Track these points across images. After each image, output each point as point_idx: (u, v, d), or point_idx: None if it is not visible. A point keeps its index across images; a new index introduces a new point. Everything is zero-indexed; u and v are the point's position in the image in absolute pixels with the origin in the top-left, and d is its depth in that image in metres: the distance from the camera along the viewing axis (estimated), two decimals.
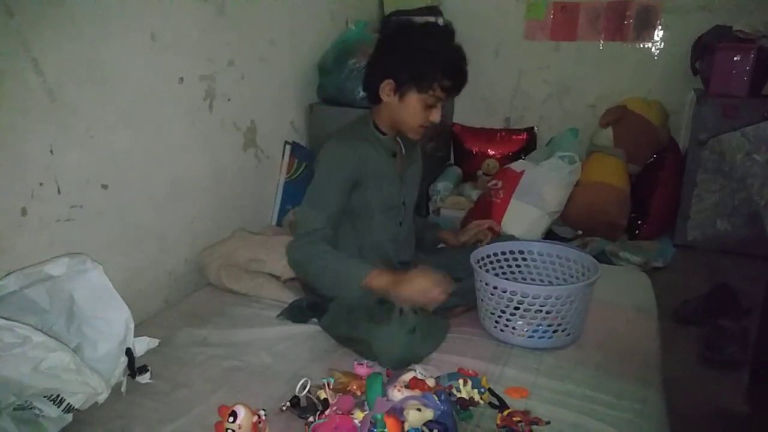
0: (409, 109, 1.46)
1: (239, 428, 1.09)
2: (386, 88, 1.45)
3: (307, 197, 1.47)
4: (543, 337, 1.44)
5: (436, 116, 1.48)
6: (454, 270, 1.64)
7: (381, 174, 1.53)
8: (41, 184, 1.38)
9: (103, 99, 1.52)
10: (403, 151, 1.61)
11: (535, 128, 3.30)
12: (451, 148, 3.44)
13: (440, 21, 1.40)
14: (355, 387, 1.23)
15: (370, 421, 1.04)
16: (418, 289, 1.32)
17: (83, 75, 1.45)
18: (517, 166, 2.81)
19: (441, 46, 1.43)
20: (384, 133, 1.54)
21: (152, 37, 1.65)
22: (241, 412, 1.10)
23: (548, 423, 1.15)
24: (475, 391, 1.21)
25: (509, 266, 1.70)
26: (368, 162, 1.49)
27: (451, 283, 1.36)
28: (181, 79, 1.78)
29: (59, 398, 1.14)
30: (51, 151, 1.39)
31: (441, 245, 1.82)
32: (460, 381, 1.22)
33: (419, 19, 1.50)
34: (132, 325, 1.33)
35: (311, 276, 1.47)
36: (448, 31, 1.49)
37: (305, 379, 1.22)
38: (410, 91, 1.43)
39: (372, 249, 1.57)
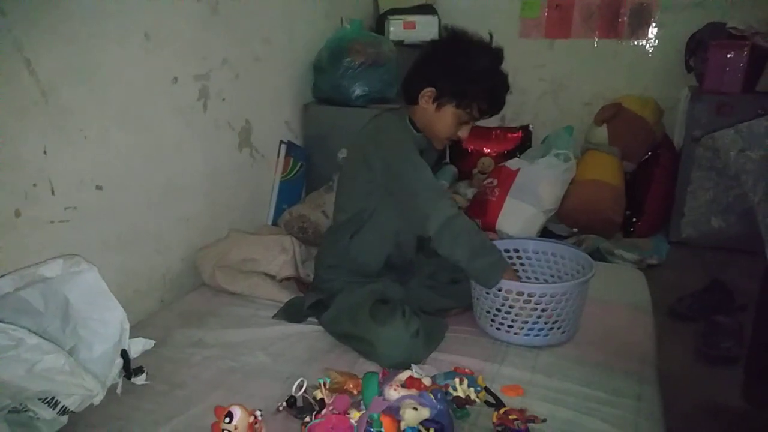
0: (443, 121, 1.48)
1: (235, 429, 1.09)
2: (426, 95, 1.47)
3: (405, 171, 1.43)
4: (539, 335, 1.44)
5: (464, 133, 1.51)
6: (452, 270, 1.64)
7: None
8: (35, 185, 1.37)
9: (97, 99, 1.51)
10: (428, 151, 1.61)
11: (531, 126, 3.30)
12: (446, 147, 3.44)
13: (493, 42, 1.42)
14: (351, 386, 1.23)
15: (367, 421, 1.04)
16: None
17: (77, 75, 1.44)
18: (512, 164, 2.81)
19: (489, 68, 1.45)
20: (417, 131, 1.55)
21: (146, 36, 1.64)
22: (237, 412, 1.10)
23: (544, 421, 1.15)
24: (471, 389, 1.21)
25: None
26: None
27: None
28: (176, 78, 1.78)
29: (54, 400, 1.14)
30: (44, 152, 1.38)
31: None
32: (457, 380, 1.22)
33: (475, 37, 1.51)
34: (127, 326, 1.33)
35: (463, 252, 1.40)
36: (499, 54, 1.49)
37: (301, 379, 1.22)
38: (449, 104, 1.45)
39: (376, 241, 1.56)
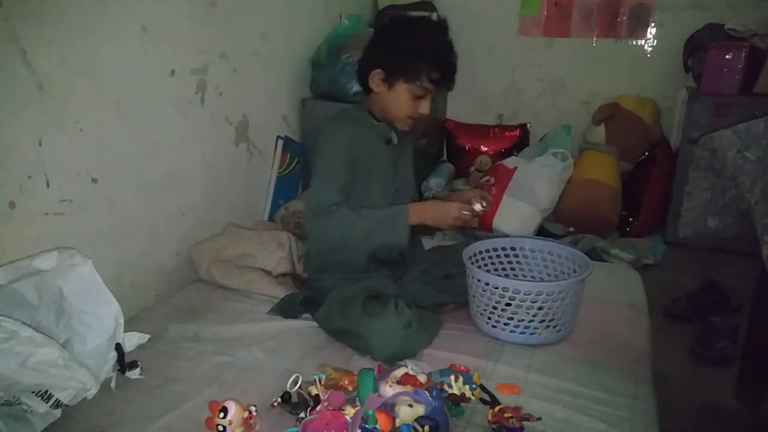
0: (398, 99, 1.47)
1: (230, 424, 1.09)
2: (375, 78, 1.47)
3: (316, 175, 1.48)
4: (534, 333, 1.44)
5: (424, 108, 1.49)
6: (447, 266, 1.64)
7: (376, 158, 1.54)
8: (30, 177, 1.36)
9: (94, 91, 1.50)
10: (395, 140, 1.61)
11: (528, 125, 3.30)
12: (443, 145, 3.44)
13: (435, 16, 1.42)
14: (346, 383, 1.23)
15: (362, 417, 1.04)
16: (444, 216, 1.46)
17: (73, 67, 1.43)
18: (509, 162, 2.81)
19: (429, 37, 1.45)
20: (378, 120, 1.55)
21: (143, 29, 1.63)
22: (232, 407, 1.10)
23: (539, 419, 1.15)
24: (467, 387, 1.21)
25: (501, 263, 1.70)
26: (365, 144, 1.51)
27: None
28: (173, 72, 1.77)
29: (47, 394, 1.13)
30: (40, 144, 1.37)
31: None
32: (452, 377, 1.22)
33: (415, 14, 1.51)
34: (122, 320, 1.32)
35: (350, 241, 1.46)
36: (439, 24, 1.50)
37: (296, 374, 1.22)
38: (398, 81, 1.45)
39: None
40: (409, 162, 1.72)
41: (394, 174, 1.61)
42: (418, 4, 3.01)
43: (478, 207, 1.48)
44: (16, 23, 1.28)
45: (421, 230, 1.71)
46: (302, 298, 1.60)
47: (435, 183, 3.02)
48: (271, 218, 2.34)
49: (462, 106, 3.40)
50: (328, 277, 1.58)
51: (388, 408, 1.07)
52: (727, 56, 2.66)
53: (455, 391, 1.20)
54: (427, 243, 1.86)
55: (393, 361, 1.32)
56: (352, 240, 1.45)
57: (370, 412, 1.04)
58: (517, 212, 2.63)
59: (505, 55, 3.33)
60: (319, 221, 1.45)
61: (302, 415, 1.12)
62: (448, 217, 1.46)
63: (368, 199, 1.53)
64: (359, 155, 1.50)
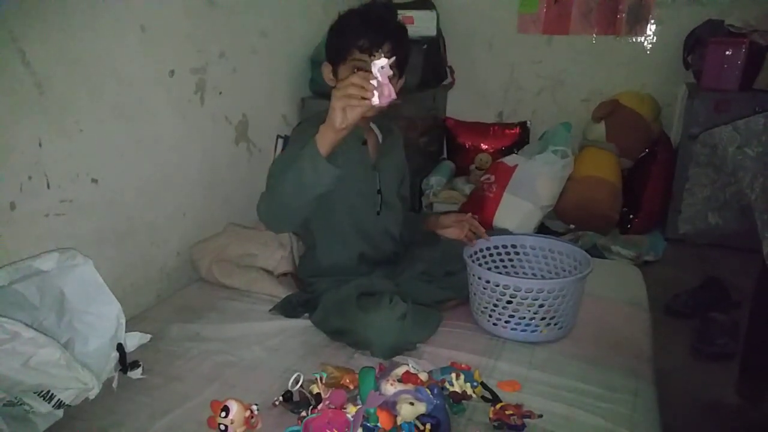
0: None
1: (231, 423, 1.09)
2: (326, 73, 1.46)
3: (273, 166, 1.39)
4: (535, 330, 1.44)
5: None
6: (447, 263, 1.64)
7: (349, 160, 1.41)
8: (30, 178, 1.36)
9: (93, 91, 1.50)
10: (380, 139, 1.59)
11: (528, 122, 3.30)
12: (443, 143, 3.44)
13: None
14: (347, 381, 1.23)
15: (363, 415, 1.04)
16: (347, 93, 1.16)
17: (72, 67, 1.43)
18: (509, 160, 2.81)
19: (352, 11, 1.42)
20: None
21: (142, 28, 1.63)
22: (234, 407, 1.10)
23: (540, 416, 1.15)
24: (468, 384, 1.21)
25: (501, 260, 1.70)
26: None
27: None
28: (172, 71, 1.77)
29: (49, 394, 1.14)
30: (40, 144, 1.37)
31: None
32: (453, 375, 1.22)
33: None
34: (123, 320, 1.32)
35: (279, 195, 1.29)
36: (371, 2, 1.46)
37: (298, 373, 1.22)
38: (339, 66, 1.42)
39: (338, 241, 1.55)
40: (397, 161, 1.65)
41: (376, 174, 1.56)
42: (417, 2, 3.02)
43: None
44: (15, 23, 1.28)
45: (426, 236, 1.72)
46: (299, 299, 1.61)
47: (435, 181, 3.03)
48: None
49: (462, 103, 3.40)
50: (321, 280, 1.58)
51: (390, 406, 1.07)
52: (727, 52, 2.65)
53: (456, 388, 1.20)
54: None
55: (392, 354, 1.32)
56: (278, 187, 1.28)
57: (372, 410, 1.04)
58: (517, 210, 2.63)
59: (504, 53, 3.33)
60: (263, 199, 1.35)
61: (304, 413, 1.12)
62: (334, 109, 1.17)
63: (343, 200, 1.49)
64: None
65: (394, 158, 1.65)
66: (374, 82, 1.12)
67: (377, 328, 1.33)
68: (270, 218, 1.36)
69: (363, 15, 1.41)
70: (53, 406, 1.14)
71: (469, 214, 1.70)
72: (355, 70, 1.37)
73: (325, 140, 1.21)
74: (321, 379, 1.19)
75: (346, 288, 1.51)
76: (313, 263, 1.61)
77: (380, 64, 1.11)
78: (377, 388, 1.14)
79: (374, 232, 1.59)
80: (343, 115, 1.16)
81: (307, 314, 1.58)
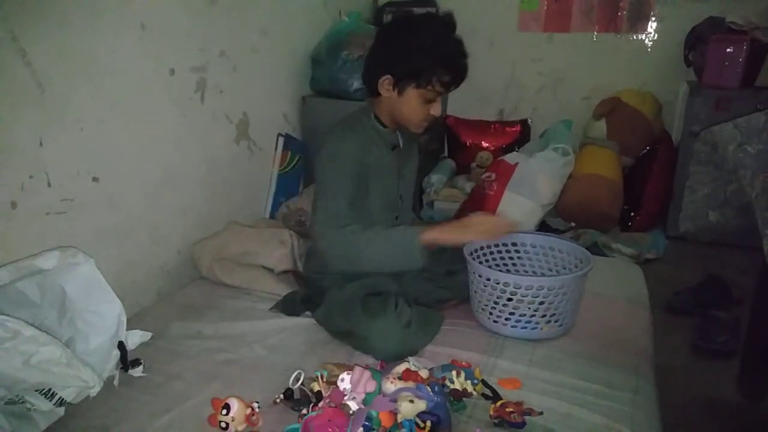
0: (409, 105, 1.43)
1: (232, 421, 1.10)
2: (385, 84, 1.43)
3: (321, 191, 1.45)
4: (536, 328, 1.44)
5: (436, 110, 1.45)
6: (448, 262, 1.64)
7: (381, 167, 1.51)
8: (31, 177, 1.36)
9: (93, 90, 1.50)
10: (401, 145, 1.59)
11: (529, 120, 3.30)
12: (444, 141, 3.44)
13: (439, 11, 1.37)
14: None
15: (366, 416, 1.04)
16: (485, 229, 1.41)
17: (72, 66, 1.43)
18: (510, 158, 2.81)
19: (439, 39, 1.38)
20: (385, 126, 1.52)
21: (142, 27, 1.63)
22: (234, 404, 1.11)
23: (541, 413, 1.15)
24: (468, 382, 1.21)
25: (502, 258, 1.70)
26: (369, 154, 1.48)
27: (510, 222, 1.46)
28: (172, 70, 1.77)
29: (51, 392, 1.14)
30: (40, 143, 1.37)
31: None
32: (454, 372, 1.22)
33: (419, 11, 1.47)
34: (124, 318, 1.33)
35: (364, 263, 1.42)
36: (446, 22, 1.43)
37: (299, 371, 1.22)
38: (409, 86, 1.40)
39: None
40: (415, 167, 1.70)
41: (399, 180, 1.59)
42: (418, 0, 3.01)
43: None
44: (15, 23, 1.28)
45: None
46: (301, 296, 1.60)
47: (436, 179, 3.02)
48: (272, 216, 2.34)
49: (462, 101, 3.39)
50: (327, 277, 1.58)
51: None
52: (728, 49, 2.65)
53: (457, 386, 1.20)
54: None
55: (394, 359, 1.32)
56: (364, 259, 1.41)
57: (374, 413, 1.05)
58: (518, 208, 2.63)
59: (505, 51, 3.32)
60: (331, 235, 1.41)
61: (304, 411, 1.13)
62: (465, 236, 1.42)
63: (368, 207, 1.51)
64: (363, 166, 1.46)
65: (412, 164, 1.67)
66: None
67: (382, 335, 1.34)
68: (336, 264, 1.45)
69: (451, 53, 1.39)
70: (54, 404, 1.15)
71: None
72: (425, 98, 1.41)
73: (431, 239, 1.38)
74: (322, 377, 1.20)
75: (351, 287, 1.51)
76: (321, 262, 1.57)
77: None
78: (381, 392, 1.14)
79: None
80: (476, 236, 1.42)
81: (308, 312, 1.58)
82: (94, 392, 1.20)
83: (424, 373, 1.19)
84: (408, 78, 1.40)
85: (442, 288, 1.64)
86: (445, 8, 3.09)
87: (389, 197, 1.57)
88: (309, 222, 1.65)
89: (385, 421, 1.05)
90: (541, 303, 1.41)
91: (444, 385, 1.19)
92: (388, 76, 1.41)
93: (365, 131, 1.50)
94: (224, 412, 1.10)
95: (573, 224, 2.77)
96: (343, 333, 1.45)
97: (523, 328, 1.44)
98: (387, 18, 2.91)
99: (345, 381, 1.13)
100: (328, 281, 1.57)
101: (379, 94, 1.46)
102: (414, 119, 1.47)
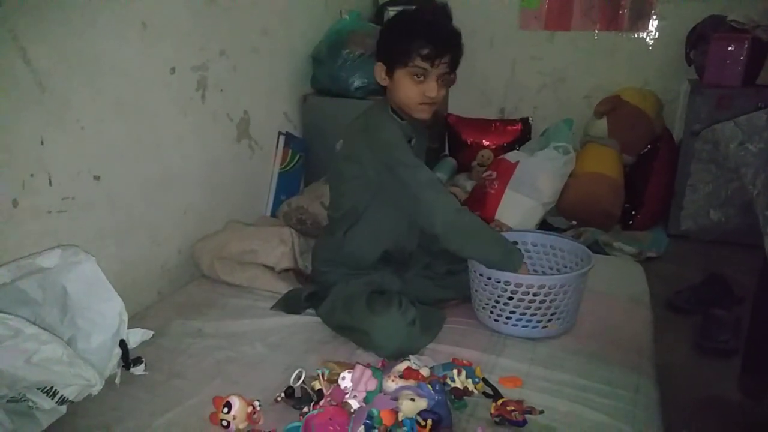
0: (402, 87, 1.43)
1: (234, 419, 1.10)
2: (379, 72, 1.46)
3: (406, 159, 1.41)
4: (537, 326, 1.44)
5: (430, 90, 1.42)
6: (449, 262, 1.64)
7: None
8: (32, 176, 1.36)
9: (94, 89, 1.50)
10: (413, 139, 1.59)
11: (530, 119, 3.30)
12: (445, 139, 3.44)
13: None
14: None
15: (367, 414, 1.04)
16: None
17: (73, 64, 1.43)
18: (511, 156, 2.81)
19: (413, 15, 1.43)
20: (402, 119, 1.52)
21: (143, 26, 1.63)
22: (236, 402, 1.11)
23: (542, 412, 1.15)
24: (469, 380, 1.21)
25: None
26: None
27: None
28: (173, 69, 1.77)
29: (53, 390, 1.14)
30: (41, 142, 1.37)
31: None
32: (455, 371, 1.22)
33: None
34: (125, 317, 1.33)
35: (478, 244, 1.42)
36: (429, 3, 1.46)
37: (300, 369, 1.22)
38: (396, 68, 1.42)
39: (371, 235, 1.55)
40: (422, 157, 1.68)
41: None
42: None
43: None
44: (16, 21, 1.28)
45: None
46: (306, 293, 1.60)
47: (437, 178, 3.02)
48: (273, 214, 2.34)
49: (463, 100, 3.39)
50: (333, 271, 1.58)
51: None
52: (729, 48, 2.64)
53: (458, 384, 1.20)
54: None
55: (396, 357, 1.32)
56: (479, 241, 1.42)
57: (376, 411, 1.05)
58: (519, 206, 2.62)
59: (506, 49, 3.32)
60: (438, 195, 1.40)
61: (305, 409, 1.13)
62: None
63: (398, 204, 1.50)
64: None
65: (421, 158, 1.66)
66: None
67: (386, 332, 1.34)
68: (453, 238, 1.42)
69: (426, 22, 1.41)
70: (56, 403, 1.15)
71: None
72: (414, 77, 1.41)
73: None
74: (323, 376, 1.20)
75: (356, 283, 1.51)
76: (331, 251, 1.59)
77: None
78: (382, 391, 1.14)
79: (404, 231, 1.59)
80: None
81: (309, 310, 1.59)
82: (95, 391, 1.20)
83: (425, 372, 1.19)
84: (392, 59, 1.43)
85: (443, 287, 1.64)
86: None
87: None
88: (329, 208, 1.64)
89: (386, 419, 1.05)
90: (542, 301, 1.41)
91: (445, 384, 1.19)
92: (380, 63, 1.46)
93: (391, 122, 1.51)
94: (225, 410, 1.10)
95: (574, 223, 2.76)
96: (345, 328, 1.45)
97: (524, 326, 1.45)
98: (389, 16, 2.90)
99: (346, 379, 1.13)
100: (333, 276, 1.56)
101: (385, 87, 1.49)
102: (410, 101, 1.45)
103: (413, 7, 1.48)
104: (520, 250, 1.49)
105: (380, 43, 1.47)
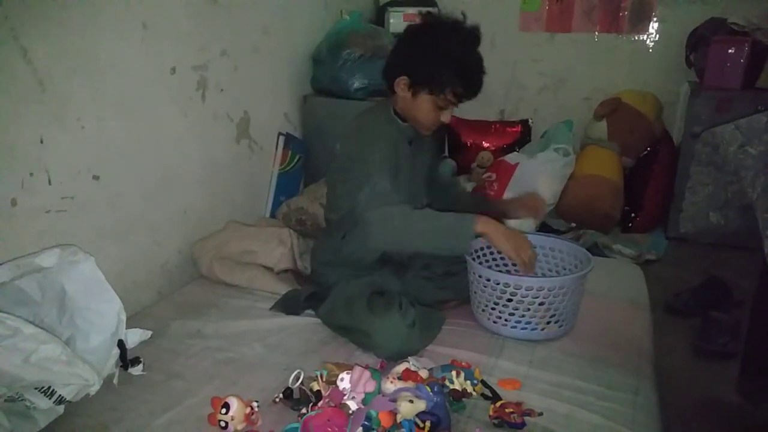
0: (421, 108, 1.46)
1: (232, 420, 1.10)
2: (401, 84, 1.45)
3: (367, 166, 1.42)
4: (536, 328, 1.44)
5: (447, 118, 1.48)
6: (448, 263, 1.64)
7: (404, 156, 1.53)
8: (31, 175, 1.36)
9: (94, 88, 1.50)
10: (414, 140, 1.60)
11: (530, 120, 3.30)
12: (445, 141, 3.43)
13: (467, 23, 1.38)
14: None
15: (365, 416, 1.04)
16: (515, 244, 1.37)
17: (74, 64, 1.43)
18: (511, 158, 2.81)
19: (459, 51, 1.40)
20: (404, 121, 1.53)
21: (144, 26, 1.63)
22: (234, 403, 1.11)
23: (541, 414, 1.15)
24: (468, 382, 1.21)
25: (502, 258, 1.70)
26: (395, 143, 1.50)
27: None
28: (174, 69, 1.77)
29: (51, 390, 1.14)
30: (41, 141, 1.37)
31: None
32: (453, 372, 1.22)
33: (447, 19, 1.45)
34: (124, 317, 1.33)
35: (413, 239, 1.38)
36: (471, 35, 1.44)
37: (298, 370, 1.22)
38: (423, 91, 1.43)
39: None
40: (426, 160, 1.70)
41: (411, 173, 1.60)
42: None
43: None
44: (16, 21, 1.28)
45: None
46: (306, 293, 1.60)
47: None
48: (272, 215, 2.34)
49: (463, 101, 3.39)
50: (333, 271, 1.58)
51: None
52: (729, 51, 2.64)
53: (456, 386, 1.20)
54: None
55: (396, 359, 1.32)
56: (413, 235, 1.37)
57: (374, 412, 1.04)
58: None
59: (506, 51, 3.32)
60: (380, 210, 1.36)
61: (304, 410, 1.13)
62: (511, 250, 1.36)
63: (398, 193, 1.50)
64: (394, 152, 1.49)
65: (426, 158, 1.67)
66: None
67: (386, 333, 1.34)
68: (383, 239, 1.41)
69: (466, 65, 1.41)
70: (54, 402, 1.14)
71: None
72: (437, 104, 1.43)
73: (483, 230, 1.35)
74: (321, 377, 1.19)
75: (356, 284, 1.51)
76: (330, 253, 1.60)
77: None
78: (381, 392, 1.14)
79: None
80: (511, 252, 1.37)
81: (308, 311, 1.58)
82: (93, 390, 1.20)
83: (423, 373, 1.19)
84: (423, 83, 1.42)
85: (442, 288, 1.64)
86: (447, 8, 3.11)
87: (408, 189, 1.57)
88: (326, 210, 1.64)
89: (385, 421, 1.04)
90: (541, 304, 1.40)
91: (444, 386, 1.19)
92: (405, 77, 1.44)
93: (390, 122, 1.53)
94: (224, 411, 1.10)
95: (573, 225, 2.76)
96: (345, 329, 1.45)
97: (523, 328, 1.44)
98: (392, 17, 2.90)
99: (345, 381, 1.13)
100: (334, 276, 1.57)
101: (395, 93, 1.49)
102: (424, 122, 1.49)
103: (446, 21, 1.44)
104: (472, 218, 1.36)
105: (408, 58, 1.44)
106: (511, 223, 1.91)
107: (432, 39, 1.42)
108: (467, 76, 1.42)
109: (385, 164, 1.43)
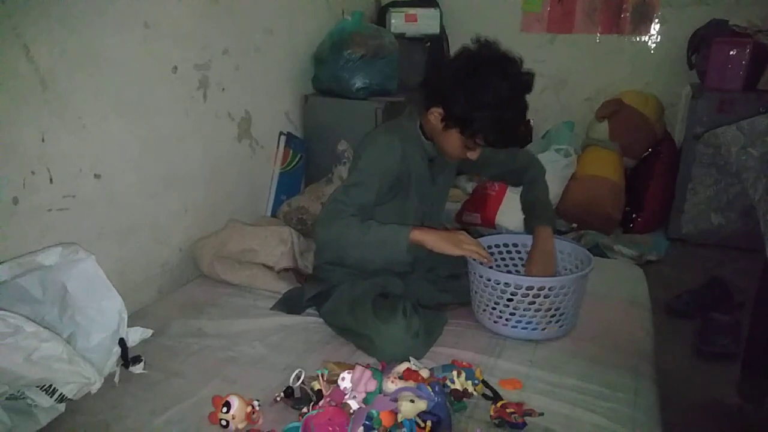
0: (449, 143, 1.43)
1: (233, 418, 1.10)
2: (435, 113, 1.41)
3: (349, 181, 1.43)
4: (536, 328, 1.44)
5: (473, 156, 1.45)
6: (452, 266, 1.64)
7: (418, 174, 1.51)
8: (33, 173, 1.36)
9: (96, 87, 1.50)
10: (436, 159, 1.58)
11: (531, 121, 3.30)
12: None
13: (522, 64, 1.33)
14: None
15: (366, 415, 1.04)
16: (471, 250, 1.37)
17: (76, 63, 1.43)
18: None
19: (503, 101, 1.33)
20: (428, 138, 1.50)
21: (146, 25, 1.63)
22: (235, 402, 1.11)
23: (541, 414, 1.15)
24: (469, 382, 1.21)
25: (503, 259, 1.70)
26: (410, 162, 1.48)
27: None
28: (175, 68, 1.77)
29: (52, 388, 1.14)
30: (43, 140, 1.37)
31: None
32: (454, 372, 1.22)
33: (503, 54, 1.42)
34: (125, 315, 1.33)
35: (351, 250, 1.38)
36: (520, 82, 1.39)
37: (299, 369, 1.22)
38: (454, 128, 1.39)
39: None
40: (450, 178, 1.69)
41: (432, 189, 1.58)
42: (420, 0, 3.01)
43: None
44: (19, 19, 1.28)
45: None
46: (309, 293, 1.59)
47: None
48: (273, 214, 2.34)
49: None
50: (338, 270, 1.57)
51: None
52: (731, 52, 2.65)
53: (457, 386, 1.20)
54: None
55: (397, 362, 1.32)
56: (352, 246, 1.37)
57: (375, 412, 1.04)
58: (520, 208, 2.62)
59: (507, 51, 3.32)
60: (329, 221, 1.38)
61: (305, 410, 1.13)
62: (452, 247, 1.36)
63: (403, 214, 1.51)
64: (404, 172, 1.47)
65: (447, 175, 1.65)
66: None
67: (390, 341, 1.34)
68: (326, 248, 1.45)
69: (507, 118, 1.36)
70: (55, 400, 1.15)
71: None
72: (466, 145, 1.41)
73: (419, 239, 1.34)
74: (322, 376, 1.19)
75: (361, 285, 1.51)
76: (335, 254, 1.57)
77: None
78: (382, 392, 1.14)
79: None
80: (454, 249, 1.35)
81: (310, 310, 1.58)
82: (94, 389, 1.20)
83: (424, 373, 1.19)
84: (456, 122, 1.38)
85: (444, 291, 1.64)
86: (449, 9, 3.12)
87: (423, 203, 1.56)
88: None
89: (386, 420, 1.04)
90: (542, 304, 1.40)
91: (445, 385, 1.19)
92: (440, 109, 1.40)
93: (410, 137, 1.49)
94: (225, 409, 1.10)
95: (575, 225, 2.77)
96: (348, 331, 1.45)
97: (523, 328, 1.44)
98: (393, 17, 2.90)
99: (346, 380, 1.13)
100: (338, 275, 1.56)
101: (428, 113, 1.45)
102: (449, 154, 1.48)
103: (500, 56, 1.41)
104: (407, 236, 1.35)
105: (450, 90, 1.37)
106: None
107: (477, 81, 1.34)
108: (502, 128, 1.37)
109: (371, 187, 1.41)
